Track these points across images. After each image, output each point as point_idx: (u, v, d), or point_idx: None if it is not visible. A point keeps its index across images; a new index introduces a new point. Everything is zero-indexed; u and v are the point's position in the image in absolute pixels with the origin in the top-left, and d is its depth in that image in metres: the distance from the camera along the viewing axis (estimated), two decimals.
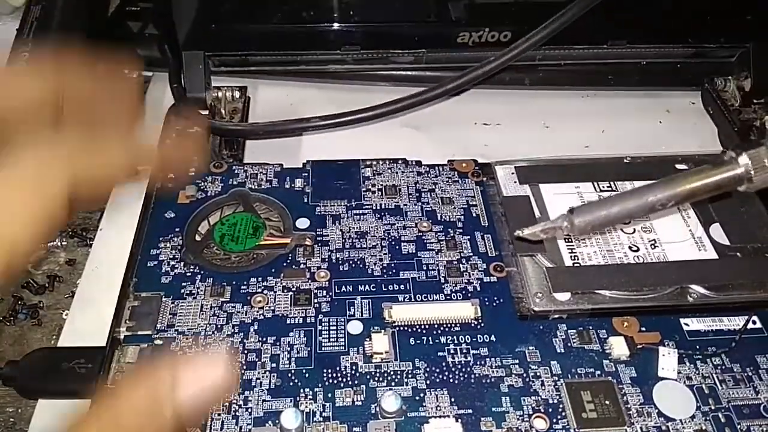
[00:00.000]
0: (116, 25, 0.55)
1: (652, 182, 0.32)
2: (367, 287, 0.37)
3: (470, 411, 0.31)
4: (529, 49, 0.45)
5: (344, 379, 0.33)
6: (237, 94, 0.49)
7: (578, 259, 0.38)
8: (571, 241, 0.39)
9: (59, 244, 0.44)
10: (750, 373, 0.34)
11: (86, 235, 0.45)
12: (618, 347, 0.34)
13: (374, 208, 0.41)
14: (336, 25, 0.48)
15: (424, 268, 0.38)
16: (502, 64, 0.45)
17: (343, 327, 0.35)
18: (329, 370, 0.33)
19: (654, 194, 0.31)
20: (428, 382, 0.33)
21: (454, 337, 0.34)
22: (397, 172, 0.43)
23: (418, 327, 0.35)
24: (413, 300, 0.36)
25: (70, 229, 0.45)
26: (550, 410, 0.32)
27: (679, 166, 0.44)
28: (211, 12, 0.48)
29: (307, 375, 0.33)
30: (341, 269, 0.37)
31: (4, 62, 0.49)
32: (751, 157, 0.31)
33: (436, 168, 0.44)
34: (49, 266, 0.43)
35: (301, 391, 0.32)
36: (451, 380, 0.33)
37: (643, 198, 0.31)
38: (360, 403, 0.32)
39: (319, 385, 0.32)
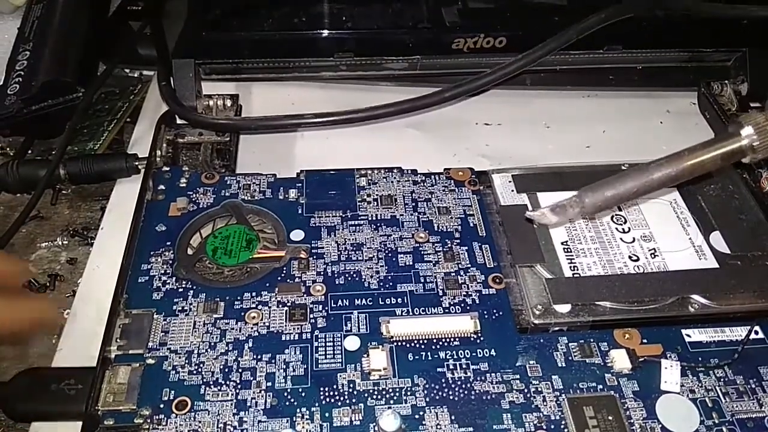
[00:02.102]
0: (117, 24, 0.54)
1: (659, 158, 0.31)
2: (363, 301, 0.36)
3: (471, 429, 0.31)
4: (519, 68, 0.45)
5: (341, 398, 0.32)
6: (229, 102, 0.49)
7: (578, 270, 0.37)
8: (571, 252, 0.38)
9: (60, 243, 0.44)
10: (753, 385, 0.33)
11: (87, 234, 0.45)
12: (620, 360, 0.34)
13: (370, 218, 0.40)
14: (328, 32, 0.47)
15: (422, 280, 0.37)
16: (499, 78, 0.45)
17: (339, 343, 0.34)
18: (326, 389, 0.32)
19: (661, 170, 0.31)
20: (428, 399, 0.32)
21: (454, 352, 0.34)
22: (392, 182, 0.43)
23: (416, 342, 0.34)
24: (411, 314, 0.35)
25: (71, 228, 0.44)
26: (552, 427, 0.31)
27: None
28: (201, 20, 0.47)
29: (303, 394, 0.32)
30: (337, 283, 0.37)
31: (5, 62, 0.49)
32: (753, 127, 0.31)
33: (433, 177, 0.43)
34: (50, 265, 0.43)
35: (298, 410, 0.31)
36: (451, 397, 0.32)
37: (651, 174, 0.31)
38: (358, 422, 0.31)
39: (316, 404, 0.32)
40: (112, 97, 0.54)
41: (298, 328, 0.34)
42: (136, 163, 0.44)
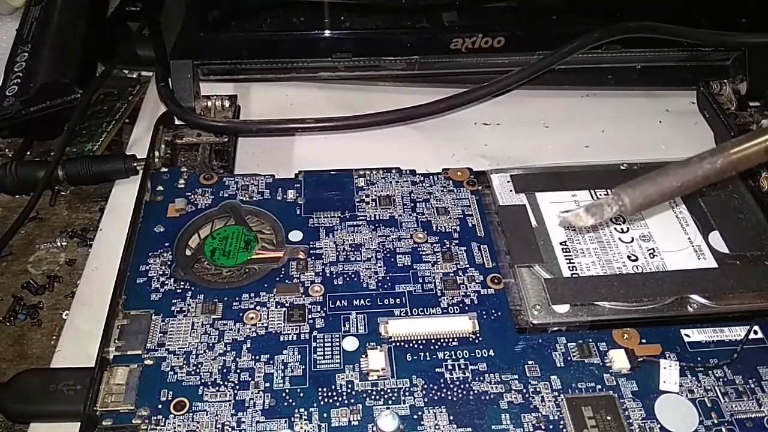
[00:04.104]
0: (116, 24, 0.54)
1: (704, 153, 0.30)
2: (362, 302, 0.36)
3: (469, 429, 0.31)
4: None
5: (340, 398, 0.32)
6: (227, 103, 0.49)
7: (576, 270, 0.37)
8: (569, 252, 0.38)
9: (59, 244, 0.44)
10: (752, 385, 0.33)
11: (86, 235, 0.45)
12: (618, 360, 0.33)
13: (368, 219, 0.40)
14: (327, 33, 0.47)
15: (420, 280, 0.37)
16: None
17: (338, 343, 0.34)
18: (324, 389, 0.32)
19: (706, 164, 0.29)
20: (426, 399, 0.32)
21: (452, 353, 0.34)
22: (391, 182, 0.43)
23: (414, 342, 0.34)
24: (409, 314, 0.35)
25: (70, 230, 0.45)
26: (551, 427, 0.31)
27: None
28: (199, 20, 0.47)
29: (301, 394, 0.32)
30: (335, 283, 0.37)
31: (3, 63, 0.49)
32: None
33: (431, 177, 0.43)
34: (48, 266, 0.43)
35: (296, 411, 0.31)
36: (450, 397, 0.32)
37: (696, 169, 0.29)
38: (356, 422, 0.31)
39: (314, 405, 0.31)
40: (110, 98, 0.54)
41: (296, 329, 0.34)
42: (135, 164, 0.44)
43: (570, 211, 0.29)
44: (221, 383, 0.32)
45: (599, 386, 0.33)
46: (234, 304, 0.35)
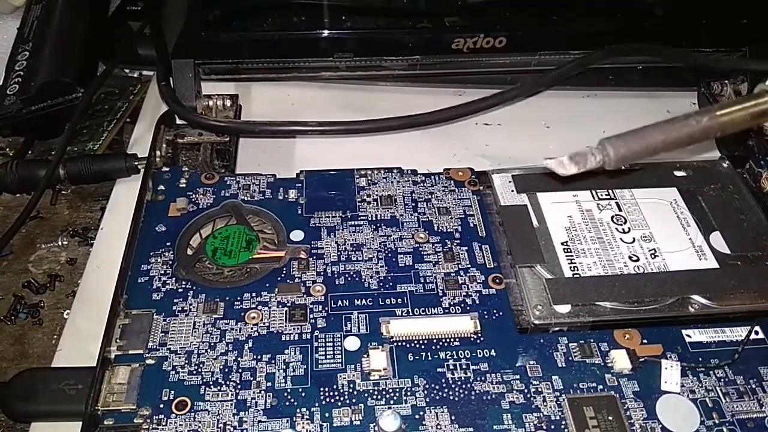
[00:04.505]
0: (117, 24, 0.54)
1: (690, 112, 0.30)
2: (363, 301, 0.36)
3: (471, 429, 0.31)
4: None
5: (341, 398, 0.32)
6: (228, 103, 0.48)
7: (578, 270, 0.37)
8: (571, 252, 0.38)
9: (60, 243, 0.44)
10: (754, 386, 0.33)
11: (87, 234, 0.45)
12: (620, 360, 0.33)
13: (370, 219, 0.40)
14: (328, 32, 0.47)
15: (422, 280, 0.37)
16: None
17: (339, 343, 0.34)
18: (326, 389, 0.32)
19: (692, 123, 0.29)
20: (428, 399, 0.32)
21: (454, 353, 0.34)
22: (392, 182, 0.43)
23: (416, 342, 0.34)
24: (411, 314, 0.35)
25: (71, 229, 0.45)
26: (553, 427, 0.31)
27: (677, 173, 0.43)
28: (201, 20, 0.47)
29: (303, 394, 0.32)
30: (337, 283, 0.37)
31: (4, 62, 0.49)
32: None
33: (432, 177, 0.43)
34: (49, 266, 0.43)
35: (298, 410, 0.31)
36: (451, 397, 0.32)
37: (681, 127, 0.29)
38: (358, 422, 0.31)
39: (316, 405, 0.32)
40: (111, 98, 0.54)
41: (298, 329, 0.34)
42: (136, 163, 0.44)
43: (554, 158, 0.29)
44: (223, 383, 0.32)
45: (601, 386, 0.33)
46: (235, 303, 0.35)
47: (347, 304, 0.36)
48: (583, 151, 0.29)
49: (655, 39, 0.50)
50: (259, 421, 0.31)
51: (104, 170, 0.45)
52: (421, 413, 0.31)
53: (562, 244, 0.38)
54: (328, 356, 0.33)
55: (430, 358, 0.33)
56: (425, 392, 0.32)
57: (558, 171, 0.29)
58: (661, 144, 0.29)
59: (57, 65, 0.48)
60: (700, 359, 0.34)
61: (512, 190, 0.42)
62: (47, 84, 0.47)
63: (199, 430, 0.30)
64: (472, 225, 0.40)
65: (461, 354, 0.34)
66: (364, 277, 0.37)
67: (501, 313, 0.36)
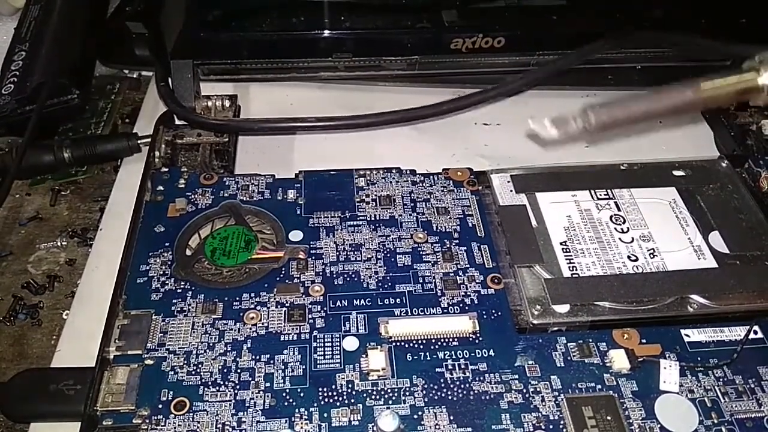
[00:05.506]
0: (115, 24, 0.54)
1: (675, 84, 0.30)
2: (362, 301, 0.36)
3: (470, 429, 0.31)
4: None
5: (340, 398, 0.32)
6: (227, 103, 0.48)
7: (576, 270, 0.37)
8: (569, 252, 0.38)
9: (59, 244, 0.44)
10: (752, 385, 0.33)
11: (86, 235, 0.45)
12: (618, 360, 0.33)
13: (368, 219, 0.40)
14: (327, 33, 0.47)
15: (421, 280, 0.37)
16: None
17: (338, 343, 0.34)
18: (325, 389, 0.32)
19: (676, 95, 0.29)
20: (426, 399, 0.32)
21: (452, 353, 0.34)
22: (391, 182, 0.43)
23: (415, 342, 0.34)
24: (410, 314, 0.35)
25: (70, 229, 0.45)
26: (551, 427, 0.31)
27: (676, 173, 0.43)
28: (200, 20, 0.47)
29: (302, 394, 0.32)
30: (336, 283, 0.37)
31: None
32: None
33: (431, 177, 0.43)
34: (49, 266, 0.43)
35: (296, 411, 0.31)
36: (450, 397, 0.32)
37: (665, 98, 0.29)
38: (357, 422, 0.31)
39: (315, 405, 0.32)
40: (92, 97, 0.54)
41: (296, 329, 0.34)
42: (138, 142, 0.44)
43: (537, 121, 0.29)
44: (221, 383, 0.32)
45: (599, 386, 0.33)
46: (234, 304, 0.35)
47: (346, 304, 0.36)
48: (566, 116, 0.29)
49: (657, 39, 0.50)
50: (258, 422, 0.31)
51: (107, 150, 0.45)
52: (420, 413, 0.31)
53: (560, 243, 0.38)
54: (326, 356, 0.33)
55: (428, 358, 0.33)
56: (424, 392, 0.32)
57: (540, 133, 0.29)
58: (643, 114, 0.30)
59: (53, 66, 0.48)
60: (699, 359, 0.34)
61: (511, 190, 0.42)
62: (43, 84, 0.47)
63: (198, 430, 0.30)
64: (470, 225, 0.40)
65: (460, 354, 0.34)
66: (362, 277, 0.37)
67: (500, 313, 0.36)
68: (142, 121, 0.50)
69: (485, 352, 0.34)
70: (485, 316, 0.35)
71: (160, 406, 0.31)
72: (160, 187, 0.41)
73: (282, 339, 0.34)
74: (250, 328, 0.34)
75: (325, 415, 0.31)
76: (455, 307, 0.36)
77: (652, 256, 0.38)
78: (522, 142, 0.49)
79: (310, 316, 0.35)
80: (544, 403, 0.32)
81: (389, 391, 0.32)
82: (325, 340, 0.34)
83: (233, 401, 0.31)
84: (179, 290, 0.36)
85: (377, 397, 0.32)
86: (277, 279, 0.37)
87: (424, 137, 0.49)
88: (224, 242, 0.39)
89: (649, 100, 0.29)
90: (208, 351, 0.33)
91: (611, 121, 0.29)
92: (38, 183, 0.48)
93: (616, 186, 0.42)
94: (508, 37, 0.48)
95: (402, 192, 0.42)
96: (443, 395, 0.32)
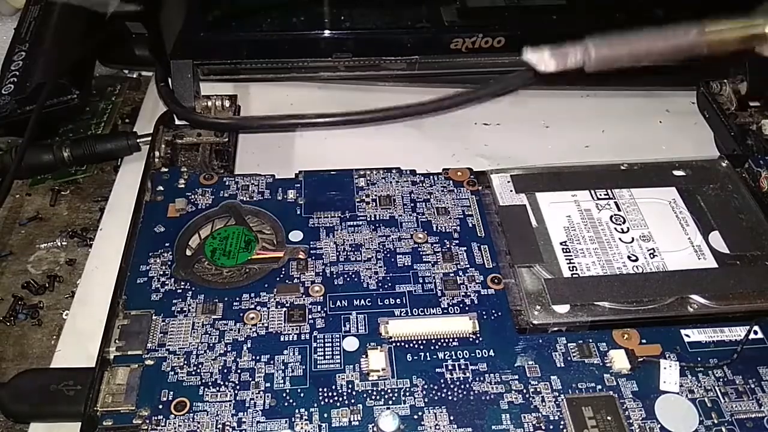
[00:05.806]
0: (114, 24, 0.54)
1: (680, 25, 0.29)
2: (362, 302, 0.36)
3: (470, 430, 0.31)
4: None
5: (340, 398, 0.32)
6: (227, 103, 0.48)
7: (576, 270, 0.37)
8: (569, 252, 0.38)
9: (59, 244, 0.44)
10: (753, 386, 0.33)
11: (86, 235, 0.45)
12: (619, 360, 0.33)
13: (368, 219, 0.40)
14: (327, 33, 0.47)
15: (421, 281, 0.37)
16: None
17: (338, 344, 0.34)
18: (325, 389, 0.32)
19: (679, 36, 0.29)
20: (426, 399, 0.32)
21: (452, 353, 0.34)
22: (391, 182, 0.43)
23: (415, 342, 0.34)
24: (410, 314, 0.35)
25: (70, 229, 0.45)
26: (551, 427, 0.31)
27: (676, 173, 0.43)
28: (199, 20, 0.47)
29: (302, 394, 0.32)
30: (336, 283, 0.37)
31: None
32: None
33: (431, 177, 0.43)
34: (49, 266, 0.43)
35: (296, 411, 0.31)
36: (450, 397, 0.32)
37: (667, 38, 0.29)
38: (357, 422, 0.31)
39: (315, 405, 0.32)
40: (92, 100, 0.54)
41: (296, 329, 0.34)
42: (138, 141, 0.44)
43: (535, 52, 0.29)
44: (222, 383, 0.32)
45: (599, 386, 0.33)
46: (234, 304, 0.35)
47: (346, 304, 0.36)
48: (565, 49, 0.28)
49: None
50: (258, 422, 0.31)
51: (107, 149, 0.45)
52: (420, 413, 0.31)
53: (560, 244, 0.38)
54: (326, 357, 0.33)
55: (428, 359, 0.33)
56: (424, 392, 0.32)
57: (538, 66, 0.29)
58: (644, 51, 0.29)
59: (53, 66, 0.48)
60: (699, 359, 0.34)
61: (511, 190, 0.42)
62: (42, 85, 0.47)
63: (198, 430, 0.30)
64: (470, 225, 0.40)
65: (460, 354, 0.34)
66: (362, 277, 0.37)
67: (500, 313, 0.36)
68: (142, 121, 0.50)
69: (485, 353, 0.34)
70: (485, 317, 0.35)
71: (161, 406, 0.31)
72: (160, 187, 0.41)
73: (282, 339, 0.34)
74: (250, 329, 0.34)
75: (325, 415, 0.31)
76: (455, 308, 0.36)
77: (652, 256, 0.38)
78: (522, 142, 0.49)
79: (310, 317, 0.35)
80: (544, 404, 0.32)
81: (389, 391, 0.32)
82: (325, 340, 0.34)
83: (233, 401, 0.31)
84: (179, 290, 0.36)
85: (377, 397, 0.32)
86: (277, 279, 0.37)
87: (425, 137, 0.49)
88: (224, 242, 0.38)
89: (653, 38, 0.29)
90: (208, 351, 0.33)
91: (612, 55, 0.29)
92: (38, 183, 0.48)
93: (616, 186, 0.42)
94: (508, 37, 0.47)
95: (402, 192, 0.42)
96: (443, 395, 0.32)
